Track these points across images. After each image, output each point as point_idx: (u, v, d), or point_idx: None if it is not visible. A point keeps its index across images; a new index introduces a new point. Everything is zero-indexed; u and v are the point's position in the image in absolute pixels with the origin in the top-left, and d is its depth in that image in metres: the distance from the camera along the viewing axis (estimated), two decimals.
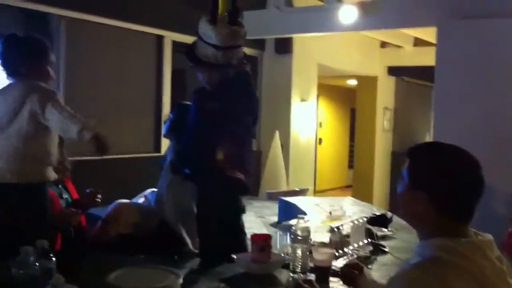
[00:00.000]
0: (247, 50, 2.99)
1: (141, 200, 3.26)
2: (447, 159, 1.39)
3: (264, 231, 3.23)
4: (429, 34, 6.70)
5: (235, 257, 2.27)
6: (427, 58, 7.55)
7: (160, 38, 5.54)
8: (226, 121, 2.46)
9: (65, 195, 2.84)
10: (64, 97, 4.44)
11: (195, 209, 2.80)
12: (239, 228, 2.57)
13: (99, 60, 4.95)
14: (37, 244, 1.70)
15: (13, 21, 4.29)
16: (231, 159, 2.46)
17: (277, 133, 6.48)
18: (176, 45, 5.69)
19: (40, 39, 2.72)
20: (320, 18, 5.84)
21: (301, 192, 5.43)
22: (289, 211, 3.78)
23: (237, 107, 2.51)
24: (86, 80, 4.79)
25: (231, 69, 2.55)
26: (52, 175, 2.61)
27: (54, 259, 1.71)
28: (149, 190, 3.30)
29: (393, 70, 9.14)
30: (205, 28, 2.50)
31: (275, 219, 3.93)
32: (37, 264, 1.67)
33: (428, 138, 9.62)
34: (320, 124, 11.06)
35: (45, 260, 1.68)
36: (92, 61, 4.88)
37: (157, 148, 5.57)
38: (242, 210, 2.61)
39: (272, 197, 4.99)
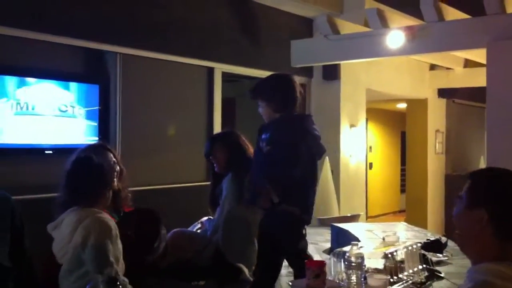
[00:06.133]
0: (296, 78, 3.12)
1: (197, 227, 3.36)
2: (507, 181, 1.43)
3: (317, 258, 3.26)
4: (479, 55, 6.61)
5: (290, 283, 2.31)
6: (478, 79, 7.45)
7: (210, 70, 5.71)
8: None
9: None
10: (120, 128, 4.74)
11: (254, 239, 2.88)
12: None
13: (152, 92, 5.14)
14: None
15: (73, 58, 4.54)
16: None
17: (327, 159, 6.50)
18: (225, 75, 5.86)
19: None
20: (367, 44, 5.88)
21: (353, 218, 5.42)
22: (342, 238, 3.80)
23: None
24: (140, 112, 4.98)
25: None
26: None
27: (120, 286, 1.81)
28: (205, 218, 3.40)
29: (443, 92, 9.02)
30: None
31: (327, 245, 3.96)
32: None
33: (483, 160, 9.40)
34: (370, 149, 10.97)
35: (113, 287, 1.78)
36: (146, 93, 5.08)
37: (209, 177, 5.68)
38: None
39: (324, 223, 5.01)
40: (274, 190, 2.54)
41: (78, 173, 2.45)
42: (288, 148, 2.60)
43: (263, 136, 2.65)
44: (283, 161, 2.56)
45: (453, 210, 1.49)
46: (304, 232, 2.73)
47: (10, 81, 4.02)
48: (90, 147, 3.09)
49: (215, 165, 3.25)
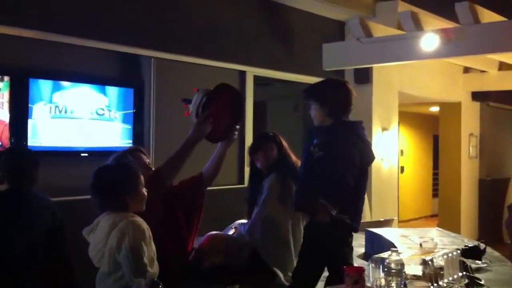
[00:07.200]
0: None
1: (231, 231, 3.37)
2: None
3: (352, 263, 3.23)
4: None
5: None
6: None
7: (242, 74, 5.73)
8: None
9: None
10: (154, 131, 4.79)
11: (291, 242, 2.87)
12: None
13: (185, 95, 5.16)
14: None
15: (109, 63, 4.60)
16: None
17: None
18: (256, 79, 5.87)
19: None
20: (401, 47, 5.81)
21: (386, 223, 5.36)
22: (376, 243, 3.76)
23: None
24: (173, 114, 5.01)
25: None
26: None
27: None
28: (238, 221, 3.41)
29: (477, 95, 8.86)
30: None
31: (361, 250, 3.92)
32: None
33: None
34: (402, 152, 10.84)
35: None
36: (179, 96, 5.11)
37: (241, 180, 5.69)
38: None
39: None
40: (328, 199, 2.50)
41: (98, 185, 2.49)
42: (343, 155, 2.56)
43: (315, 141, 2.61)
44: (337, 168, 2.53)
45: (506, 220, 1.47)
46: (350, 240, 2.70)
47: (48, 85, 4.10)
48: (126, 151, 3.17)
49: (258, 162, 3.25)
